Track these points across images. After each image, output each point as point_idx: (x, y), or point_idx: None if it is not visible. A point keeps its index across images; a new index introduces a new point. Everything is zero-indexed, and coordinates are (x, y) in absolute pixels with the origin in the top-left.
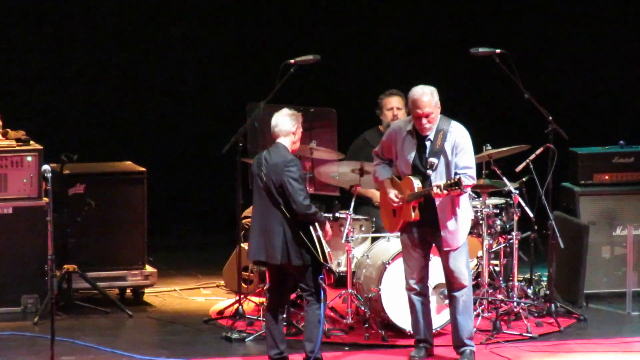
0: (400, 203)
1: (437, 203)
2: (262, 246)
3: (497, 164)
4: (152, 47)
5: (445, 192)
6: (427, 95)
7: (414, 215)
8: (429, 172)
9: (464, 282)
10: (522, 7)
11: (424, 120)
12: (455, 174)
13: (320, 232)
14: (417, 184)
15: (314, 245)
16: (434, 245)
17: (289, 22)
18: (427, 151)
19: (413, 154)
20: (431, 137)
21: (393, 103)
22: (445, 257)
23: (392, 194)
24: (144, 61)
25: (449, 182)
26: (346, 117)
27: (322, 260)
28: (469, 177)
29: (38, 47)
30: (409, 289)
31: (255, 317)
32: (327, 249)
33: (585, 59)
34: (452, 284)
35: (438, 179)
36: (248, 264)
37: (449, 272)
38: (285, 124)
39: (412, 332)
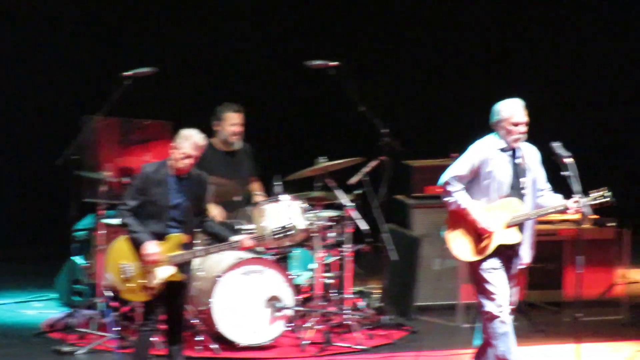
0: (496, 229)
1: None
2: None
3: (331, 176)
4: None
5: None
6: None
7: (520, 236)
8: (524, 191)
9: None
10: (358, 20)
11: (524, 128)
12: (540, 189)
13: (154, 257)
14: (522, 205)
15: None
16: None
17: (125, 33)
18: (519, 169)
19: (510, 174)
20: (518, 154)
21: (237, 119)
22: (512, 279)
23: (488, 221)
24: None
25: (594, 196)
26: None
27: None
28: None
29: None
30: (504, 311)
31: (86, 331)
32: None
33: (417, 72)
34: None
35: (529, 197)
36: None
37: (512, 294)
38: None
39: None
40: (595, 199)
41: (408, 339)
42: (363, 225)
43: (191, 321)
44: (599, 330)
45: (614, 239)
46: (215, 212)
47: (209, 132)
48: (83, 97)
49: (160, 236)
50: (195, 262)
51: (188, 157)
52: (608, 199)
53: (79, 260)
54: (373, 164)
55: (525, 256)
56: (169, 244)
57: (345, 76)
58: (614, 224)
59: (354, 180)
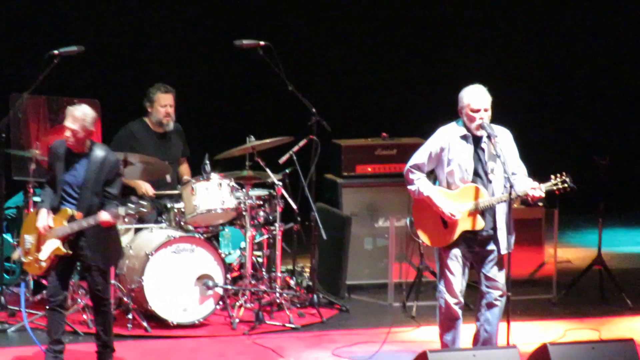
0: (459, 217)
1: (497, 207)
2: None
3: (260, 155)
4: None
5: (543, 194)
6: (486, 92)
7: (483, 223)
8: (491, 176)
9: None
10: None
11: (484, 114)
12: (513, 173)
13: (40, 225)
14: (485, 192)
15: None
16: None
17: (51, 11)
18: (485, 155)
19: (472, 160)
20: (485, 139)
21: (168, 100)
22: (494, 262)
23: (450, 209)
24: None
25: (554, 182)
26: (111, 108)
27: None
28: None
29: None
30: (458, 302)
31: (17, 308)
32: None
33: (348, 51)
34: (498, 290)
35: (496, 183)
36: (11, 254)
37: (498, 277)
38: None
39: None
40: (555, 184)
41: (339, 318)
42: (293, 204)
43: (122, 299)
44: (529, 309)
45: (543, 218)
46: (146, 187)
47: (141, 112)
48: (10, 75)
49: (56, 210)
50: (126, 241)
51: (67, 129)
52: (567, 184)
53: (8, 238)
54: (302, 143)
55: (503, 244)
56: (58, 217)
57: (274, 55)
58: (542, 203)
59: (283, 159)
